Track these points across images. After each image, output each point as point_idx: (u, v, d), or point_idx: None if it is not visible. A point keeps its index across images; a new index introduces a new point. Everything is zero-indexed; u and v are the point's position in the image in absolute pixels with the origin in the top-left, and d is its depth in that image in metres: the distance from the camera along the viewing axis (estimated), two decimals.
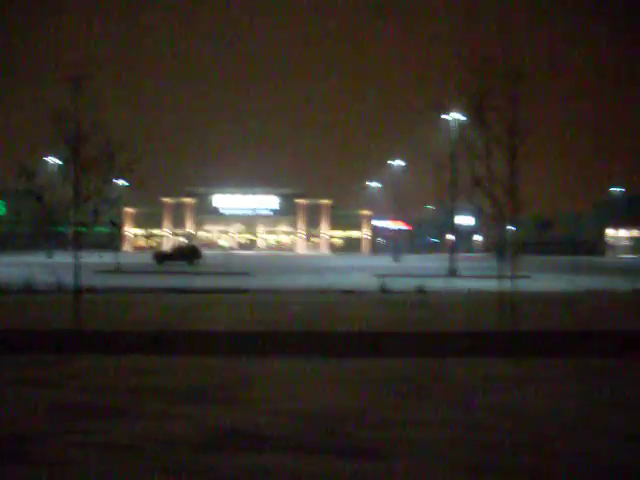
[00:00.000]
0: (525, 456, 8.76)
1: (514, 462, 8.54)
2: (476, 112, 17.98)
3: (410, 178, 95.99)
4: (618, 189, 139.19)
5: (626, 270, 53.78)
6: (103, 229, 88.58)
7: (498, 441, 9.37)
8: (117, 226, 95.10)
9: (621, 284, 40.00)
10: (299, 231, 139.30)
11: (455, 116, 46.05)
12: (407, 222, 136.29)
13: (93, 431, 9.67)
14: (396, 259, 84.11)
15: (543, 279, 47.78)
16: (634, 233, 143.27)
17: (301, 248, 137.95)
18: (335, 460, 8.56)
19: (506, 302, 18.11)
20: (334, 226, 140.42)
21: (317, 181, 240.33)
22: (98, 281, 36.34)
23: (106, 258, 62.41)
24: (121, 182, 23.86)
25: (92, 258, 48.08)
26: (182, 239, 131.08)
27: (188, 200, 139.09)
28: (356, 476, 8.02)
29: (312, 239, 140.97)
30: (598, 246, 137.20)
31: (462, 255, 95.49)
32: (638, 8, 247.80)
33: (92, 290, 30.15)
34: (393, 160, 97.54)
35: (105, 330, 18.91)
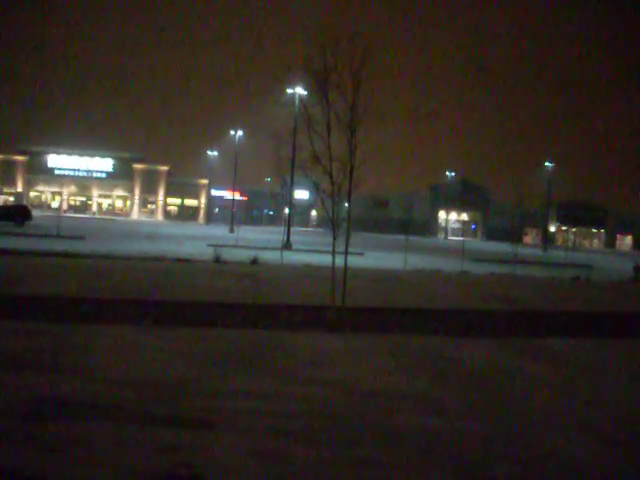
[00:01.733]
0: (348, 428, 8.97)
1: (342, 435, 8.73)
2: (319, 88, 18.10)
3: (250, 149, 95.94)
4: (452, 173, 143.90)
5: (455, 251, 55.81)
6: None
7: (327, 413, 9.55)
8: None
9: (449, 264, 41.50)
10: (135, 196, 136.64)
11: (299, 91, 46.30)
12: (245, 193, 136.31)
13: None
14: (232, 229, 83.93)
15: (376, 256, 48.93)
16: (464, 216, 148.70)
17: (136, 214, 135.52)
18: (164, 429, 8.50)
19: (338, 277, 18.41)
20: (171, 193, 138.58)
21: (156, 147, 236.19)
22: None
23: None
24: None
25: None
26: (11, 198, 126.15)
27: (20, 158, 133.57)
28: (185, 446, 7.99)
29: (148, 205, 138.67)
30: (430, 227, 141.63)
31: (298, 229, 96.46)
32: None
33: None
34: (234, 130, 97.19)
35: None
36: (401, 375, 12.27)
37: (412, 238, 54.05)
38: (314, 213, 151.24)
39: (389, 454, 8.13)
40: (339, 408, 9.87)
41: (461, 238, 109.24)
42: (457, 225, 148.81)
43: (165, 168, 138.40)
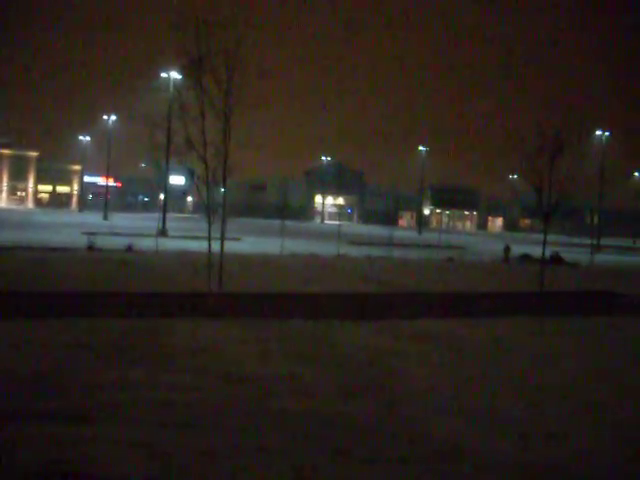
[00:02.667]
0: (230, 416, 8.93)
1: (222, 422, 8.67)
2: (194, 74, 17.93)
3: (124, 134, 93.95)
4: (328, 158, 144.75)
5: (331, 235, 56.18)
6: None
7: (208, 401, 9.48)
8: None
9: (326, 248, 41.79)
10: (2, 183, 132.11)
11: (173, 75, 45.68)
12: (119, 179, 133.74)
13: None
14: (106, 217, 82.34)
15: (253, 242, 48.84)
16: (340, 200, 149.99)
17: (4, 202, 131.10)
18: (40, 426, 8.22)
19: (214, 263, 18.32)
20: (42, 180, 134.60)
21: (24, 131, 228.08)
22: None
23: None
24: None
25: None
26: None
27: None
28: (62, 441, 7.74)
29: (17, 193, 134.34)
30: (307, 211, 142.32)
31: (173, 215, 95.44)
32: None
33: None
34: (107, 114, 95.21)
35: None
36: (280, 360, 12.30)
37: (289, 223, 54.28)
38: (190, 199, 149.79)
39: (271, 438, 8.13)
40: (220, 395, 9.82)
41: (337, 222, 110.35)
42: (333, 209, 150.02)
43: (35, 154, 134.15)
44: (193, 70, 17.83)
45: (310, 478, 7.12)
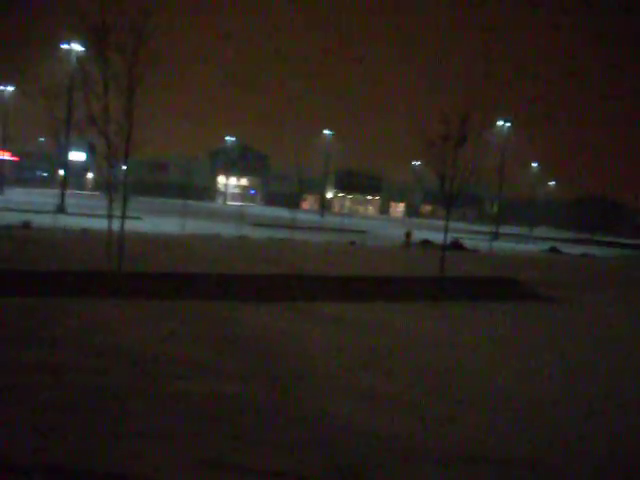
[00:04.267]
0: (129, 399, 8.73)
1: (123, 406, 8.47)
2: (98, 47, 17.48)
3: (22, 107, 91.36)
4: (232, 138, 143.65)
5: (234, 216, 55.86)
6: None
7: (107, 384, 9.25)
8: None
9: (228, 229, 41.56)
10: None
11: (76, 47, 44.55)
12: (15, 153, 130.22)
13: None
14: (1, 191, 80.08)
15: (154, 221, 48.18)
16: (243, 181, 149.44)
17: None
18: None
19: (114, 242, 17.96)
20: None
21: None
22: None
23: None
24: None
25: None
26: None
27: None
28: None
29: None
30: (210, 192, 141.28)
31: (73, 192, 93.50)
32: None
33: None
34: (3, 85, 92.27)
35: None
36: (181, 341, 12.14)
37: (191, 203, 53.74)
38: (90, 176, 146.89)
39: (172, 422, 7.98)
40: (120, 378, 9.59)
41: (240, 203, 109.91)
42: (237, 190, 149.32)
43: None
44: (97, 42, 17.37)
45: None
